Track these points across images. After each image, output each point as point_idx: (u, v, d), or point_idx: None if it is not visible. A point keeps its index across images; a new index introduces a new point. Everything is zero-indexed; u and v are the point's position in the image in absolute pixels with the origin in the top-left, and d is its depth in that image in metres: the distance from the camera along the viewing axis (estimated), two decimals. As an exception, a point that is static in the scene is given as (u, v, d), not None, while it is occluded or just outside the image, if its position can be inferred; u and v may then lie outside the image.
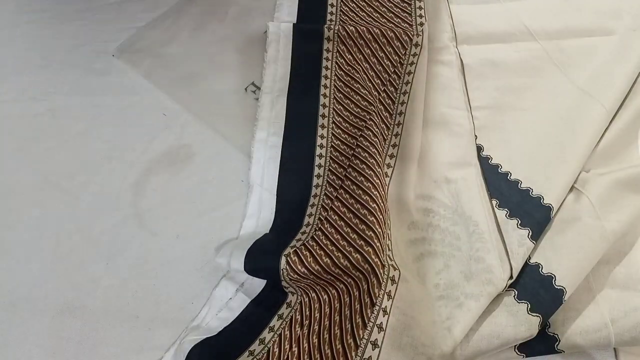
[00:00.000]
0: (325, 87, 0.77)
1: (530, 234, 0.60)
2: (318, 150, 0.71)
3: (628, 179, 0.65)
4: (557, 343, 0.56)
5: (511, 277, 0.58)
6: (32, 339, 0.60)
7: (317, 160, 0.71)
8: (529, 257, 0.60)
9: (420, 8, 0.82)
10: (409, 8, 0.82)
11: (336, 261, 0.57)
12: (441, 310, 0.57)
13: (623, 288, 0.59)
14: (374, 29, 0.77)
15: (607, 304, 0.58)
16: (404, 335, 0.54)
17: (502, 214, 0.64)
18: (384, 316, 0.55)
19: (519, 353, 0.57)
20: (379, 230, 0.59)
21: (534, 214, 0.62)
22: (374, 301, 0.54)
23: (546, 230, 0.62)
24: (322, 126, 0.73)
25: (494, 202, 0.65)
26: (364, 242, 0.58)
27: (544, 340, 0.56)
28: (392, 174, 0.69)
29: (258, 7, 0.90)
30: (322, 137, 0.72)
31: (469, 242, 0.62)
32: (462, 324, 0.54)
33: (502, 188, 0.66)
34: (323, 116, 0.74)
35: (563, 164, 0.66)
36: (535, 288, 0.57)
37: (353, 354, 0.52)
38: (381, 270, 0.56)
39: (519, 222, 0.62)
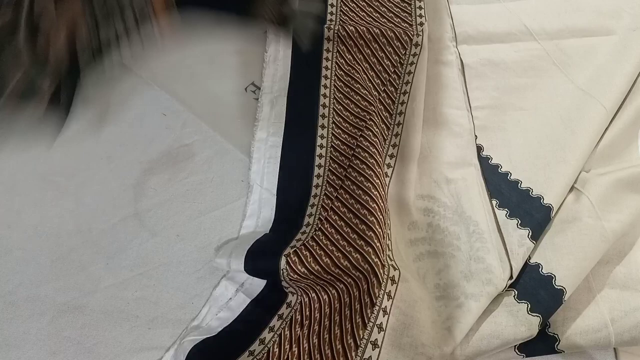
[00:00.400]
0: (325, 87, 0.77)
1: (530, 234, 0.60)
2: (318, 150, 0.71)
3: (628, 179, 0.65)
4: (557, 343, 0.56)
5: (511, 277, 0.58)
6: (32, 339, 0.60)
7: (317, 160, 0.71)
8: (529, 257, 0.60)
9: (420, 8, 0.82)
10: (409, 8, 0.82)
11: (336, 261, 0.57)
12: (441, 310, 0.57)
13: (623, 288, 0.59)
14: (374, 29, 0.77)
15: (607, 304, 0.58)
16: (404, 336, 0.54)
17: (502, 214, 0.64)
18: (384, 316, 0.55)
19: (519, 353, 0.57)
20: (379, 230, 0.59)
21: (534, 214, 0.62)
22: (374, 301, 0.54)
23: (546, 230, 0.62)
24: (322, 126, 0.73)
25: (494, 202, 0.65)
26: (364, 242, 0.58)
27: (544, 340, 0.57)
28: (392, 174, 0.69)
29: (258, 7, 0.90)
30: (322, 137, 0.72)
31: (469, 242, 0.62)
32: (462, 324, 0.54)
33: (502, 188, 0.66)
34: (323, 116, 0.74)
35: (563, 164, 0.66)
36: (535, 288, 0.57)
37: (353, 354, 0.52)
38: (381, 270, 0.56)
39: (519, 222, 0.62)
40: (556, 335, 0.56)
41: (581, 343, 0.56)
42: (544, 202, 0.63)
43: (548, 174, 0.65)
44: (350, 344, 0.52)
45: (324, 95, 0.76)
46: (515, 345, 0.57)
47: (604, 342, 0.56)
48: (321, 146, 0.71)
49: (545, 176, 0.65)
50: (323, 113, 0.74)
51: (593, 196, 0.63)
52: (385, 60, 0.76)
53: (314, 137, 0.72)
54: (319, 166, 0.70)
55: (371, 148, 0.67)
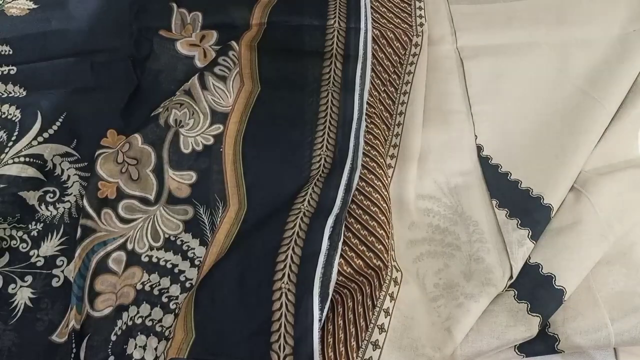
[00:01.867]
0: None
1: (530, 234, 0.61)
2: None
3: (628, 179, 0.65)
4: (557, 343, 0.56)
5: (511, 277, 0.58)
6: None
7: (317, 163, 0.71)
8: (529, 257, 0.60)
9: (420, 8, 0.82)
10: (409, 8, 0.81)
11: (339, 268, 0.58)
12: (441, 310, 0.57)
13: (623, 288, 0.59)
14: (374, 30, 0.77)
15: (607, 304, 0.58)
16: (404, 337, 0.55)
17: (502, 214, 0.64)
18: (385, 317, 0.55)
19: (518, 353, 0.57)
20: (382, 232, 0.59)
21: (533, 214, 0.62)
22: (375, 303, 0.54)
23: (546, 230, 0.62)
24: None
25: (494, 202, 0.65)
26: (366, 248, 0.58)
27: (544, 340, 0.57)
28: (392, 174, 0.69)
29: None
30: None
31: (469, 242, 0.62)
32: (462, 325, 0.55)
33: (502, 188, 0.67)
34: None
35: (563, 164, 0.66)
36: (535, 288, 0.58)
37: (354, 354, 0.52)
38: (383, 273, 0.56)
39: (519, 222, 0.62)
40: (556, 335, 0.57)
41: (581, 343, 0.56)
42: (544, 202, 0.63)
43: (548, 174, 0.65)
44: (353, 345, 0.53)
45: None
46: (515, 345, 0.57)
47: (604, 342, 0.56)
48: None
49: (545, 176, 0.65)
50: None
51: (593, 196, 0.63)
52: (385, 61, 0.76)
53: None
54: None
55: (372, 151, 0.67)
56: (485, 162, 0.70)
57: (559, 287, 0.57)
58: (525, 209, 0.63)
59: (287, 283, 0.54)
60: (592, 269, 0.59)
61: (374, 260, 0.57)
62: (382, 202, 0.62)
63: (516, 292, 0.58)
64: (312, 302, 0.53)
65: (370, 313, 0.54)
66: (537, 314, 0.55)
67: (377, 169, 0.65)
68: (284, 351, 0.51)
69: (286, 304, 0.53)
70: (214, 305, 0.55)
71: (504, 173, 0.68)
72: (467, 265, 0.60)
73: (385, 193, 0.64)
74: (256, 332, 0.53)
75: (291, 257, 0.56)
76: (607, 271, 0.61)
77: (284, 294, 0.54)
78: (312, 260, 0.56)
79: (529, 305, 0.56)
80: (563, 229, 0.62)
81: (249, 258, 0.58)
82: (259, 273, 0.56)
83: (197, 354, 0.52)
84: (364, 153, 0.66)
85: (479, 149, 0.71)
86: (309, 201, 0.61)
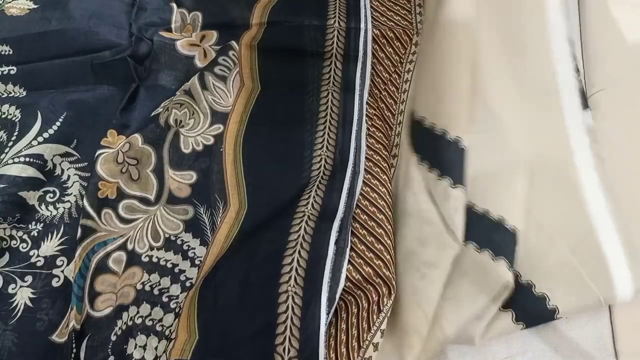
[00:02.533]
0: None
1: (452, 182, 0.59)
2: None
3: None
4: (548, 301, 0.55)
5: (456, 237, 0.57)
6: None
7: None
8: (474, 205, 0.59)
9: (419, 6, 0.81)
10: (409, 5, 0.81)
11: (348, 274, 0.58)
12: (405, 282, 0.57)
13: (583, 231, 0.57)
14: (374, 29, 0.77)
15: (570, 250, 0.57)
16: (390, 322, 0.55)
17: (424, 169, 0.63)
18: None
19: (516, 322, 0.56)
20: (388, 242, 0.59)
21: (446, 155, 0.61)
22: (381, 308, 0.55)
23: (477, 176, 0.60)
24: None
25: (417, 158, 0.64)
26: (373, 255, 0.58)
27: (535, 302, 0.56)
28: (394, 173, 0.69)
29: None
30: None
31: (417, 204, 0.61)
32: (430, 297, 0.55)
33: (422, 139, 0.66)
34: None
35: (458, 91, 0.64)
36: (487, 234, 0.57)
37: (355, 354, 0.53)
38: (393, 283, 0.56)
39: (439, 172, 0.61)
40: (545, 295, 0.55)
41: (571, 297, 0.55)
42: (449, 136, 0.61)
43: (448, 107, 0.64)
44: (354, 346, 0.53)
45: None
46: (512, 316, 0.56)
47: (586, 292, 0.55)
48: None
49: (445, 110, 0.64)
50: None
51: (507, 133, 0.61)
52: (386, 60, 0.76)
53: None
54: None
55: (375, 156, 0.67)
56: (417, 123, 0.68)
57: (509, 226, 0.56)
58: (438, 153, 0.62)
59: (293, 286, 0.55)
60: (551, 219, 0.58)
61: (383, 270, 0.57)
62: (387, 210, 0.62)
63: (474, 243, 0.57)
64: (319, 306, 0.54)
65: (375, 317, 0.54)
66: (501, 257, 0.55)
67: (381, 174, 0.65)
68: (288, 354, 0.51)
69: (293, 307, 0.54)
70: (217, 306, 0.55)
71: (429, 127, 0.66)
72: (419, 230, 0.59)
73: (390, 200, 0.64)
74: (260, 333, 0.53)
75: (297, 261, 0.56)
76: (561, 216, 0.58)
77: (290, 297, 0.54)
78: (320, 264, 0.56)
79: (490, 252, 0.56)
80: (490, 173, 0.61)
81: (253, 260, 0.58)
82: (263, 275, 0.56)
83: (200, 356, 0.53)
84: (367, 158, 0.67)
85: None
86: (312, 204, 0.61)
